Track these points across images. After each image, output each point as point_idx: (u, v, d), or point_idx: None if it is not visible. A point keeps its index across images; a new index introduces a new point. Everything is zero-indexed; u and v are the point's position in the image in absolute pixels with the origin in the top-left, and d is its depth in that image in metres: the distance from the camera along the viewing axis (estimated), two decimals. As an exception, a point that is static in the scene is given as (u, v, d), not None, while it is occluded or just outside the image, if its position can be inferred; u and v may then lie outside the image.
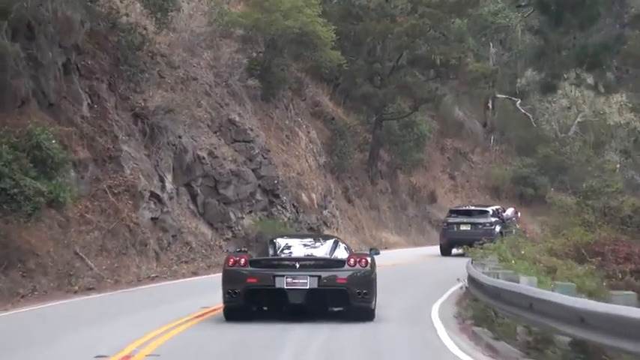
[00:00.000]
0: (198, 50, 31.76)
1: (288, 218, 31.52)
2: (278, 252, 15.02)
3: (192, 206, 28.15)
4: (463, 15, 39.49)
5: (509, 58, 59.82)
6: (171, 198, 27.14)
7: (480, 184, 55.84)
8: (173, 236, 26.16)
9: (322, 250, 15.24)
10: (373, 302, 14.40)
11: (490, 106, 59.44)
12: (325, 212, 34.84)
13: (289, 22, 32.47)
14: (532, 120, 58.29)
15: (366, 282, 14.12)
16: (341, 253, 14.90)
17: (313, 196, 34.15)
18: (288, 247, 15.33)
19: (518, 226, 32.92)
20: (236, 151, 30.28)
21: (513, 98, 59.60)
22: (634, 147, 57.02)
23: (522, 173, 54.96)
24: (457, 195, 53.99)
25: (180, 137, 28.14)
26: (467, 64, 41.39)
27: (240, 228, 29.13)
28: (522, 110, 58.95)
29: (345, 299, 14.18)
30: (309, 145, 36.22)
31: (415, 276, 24.42)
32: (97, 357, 10.71)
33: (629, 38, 69.36)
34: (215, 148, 29.35)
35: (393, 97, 40.05)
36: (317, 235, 21.16)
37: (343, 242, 16.16)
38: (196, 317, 14.87)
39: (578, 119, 57.07)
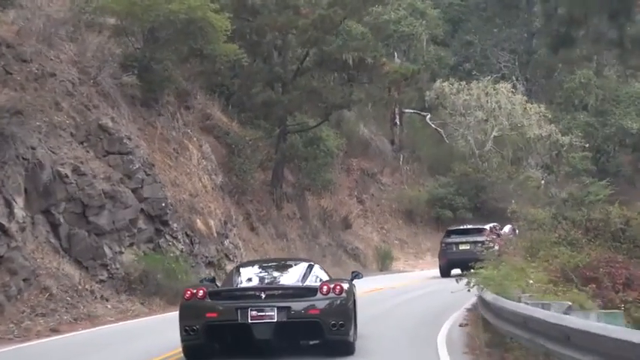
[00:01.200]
0: (56, 41, 24.76)
1: (182, 251, 24.66)
2: (243, 281, 13.43)
3: (52, 239, 21.03)
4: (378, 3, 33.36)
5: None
6: (22, 229, 20.05)
7: (392, 208, 49.95)
8: (25, 280, 19.15)
9: (292, 277, 13.67)
10: (351, 334, 12.88)
11: (397, 122, 53.81)
12: (227, 242, 28.09)
13: (173, 6, 25.91)
14: (444, 136, 52.98)
15: (341, 312, 12.61)
16: (313, 280, 13.38)
17: (211, 222, 27.37)
18: (255, 276, 13.83)
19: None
20: (110, 165, 23.27)
21: (422, 113, 54.27)
22: (556, 161, 52.30)
23: (438, 194, 49.39)
24: (367, 221, 48.01)
25: (33, 149, 21.06)
26: (384, 64, 35.46)
27: (118, 266, 22.13)
28: (433, 125, 53.63)
29: (319, 332, 12.67)
30: (202, 162, 29.45)
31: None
32: None
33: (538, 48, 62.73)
34: (82, 163, 22.30)
35: (300, 104, 33.69)
36: (289, 260, 18.10)
37: (320, 267, 14.48)
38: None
39: (494, 133, 51.98)
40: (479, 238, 30.08)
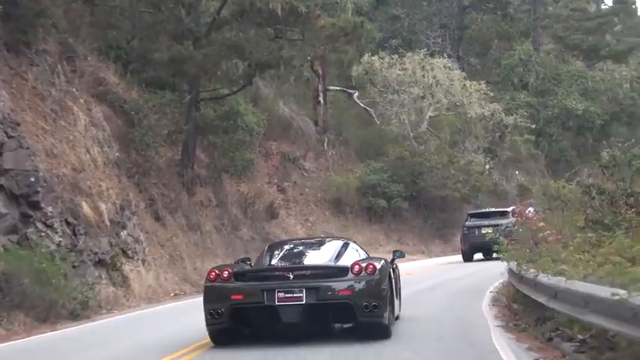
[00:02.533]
0: None
1: (59, 245, 17.60)
2: (272, 261, 12.48)
3: None
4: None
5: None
6: None
7: (318, 197, 43.36)
8: None
9: (325, 256, 12.75)
10: (386, 316, 11.95)
11: (321, 101, 47.23)
12: (124, 234, 21.08)
13: None
14: (374, 116, 46.76)
15: (375, 292, 11.71)
16: (347, 259, 12.32)
17: (102, 207, 20.34)
18: (285, 255, 12.87)
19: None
20: (-48, 122, 16.13)
21: (349, 90, 47.90)
22: (499, 144, 46.68)
23: (370, 181, 43.06)
24: (289, 212, 41.40)
25: None
26: (319, 17, 28.94)
27: (-38, 267, 15.02)
28: (361, 104, 47.32)
29: (351, 314, 11.77)
30: (90, 129, 22.38)
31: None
32: None
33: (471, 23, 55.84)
34: None
35: (217, 61, 26.74)
36: (325, 239, 16.07)
37: (356, 245, 13.49)
38: None
39: (430, 113, 46.06)
40: (501, 221, 30.18)
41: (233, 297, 11.75)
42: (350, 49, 36.32)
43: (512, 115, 46.30)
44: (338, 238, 15.37)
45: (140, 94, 27.72)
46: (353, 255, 12.80)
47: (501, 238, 17.75)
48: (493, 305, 16.08)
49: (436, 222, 44.22)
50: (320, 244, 14.07)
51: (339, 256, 12.64)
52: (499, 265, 18.08)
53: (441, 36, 56.11)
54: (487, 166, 44.23)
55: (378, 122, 46.43)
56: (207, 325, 12.04)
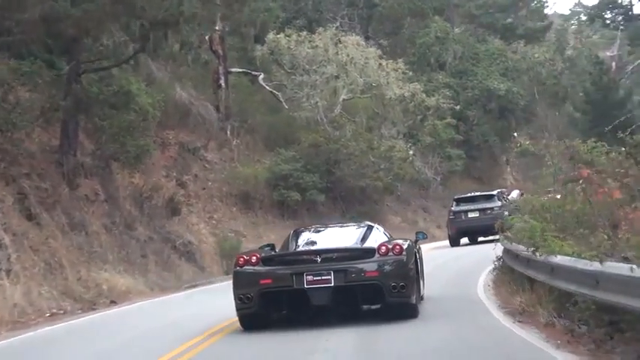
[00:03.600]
0: None
1: None
2: (300, 245, 12.88)
3: None
4: None
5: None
6: None
7: (223, 192, 38.23)
8: None
9: (350, 239, 13.00)
10: (414, 296, 12.39)
11: (222, 84, 42.10)
12: (-22, 237, 15.72)
13: None
14: (282, 100, 41.91)
15: (402, 273, 12.07)
16: (373, 241, 12.67)
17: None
18: (311, 239, 13.22)
19: None
20: None
21: (254, 72, 42.97)
22: (420, 129, 42.50)
23: (281, 171, 38.22)
24: (191, 209, 36.25)
25: None
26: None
27: None
28: (267, 87, 42.41)
29: (379, 295, 12.09)
30: None
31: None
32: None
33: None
34: None
35: (101, 19, 21.41)
36: (348, 223, 16.35)
37: (380, 228, 13.97)
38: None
39: (343, 96, 41.56)
40: (488, 205, 31.26)
41: (262, 282, 12.00)
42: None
43: (433, 96, 42.16)
44: (362, 222, 15.23)
45: (4, 62, 22.20)
46: (378, 237, 13.02)
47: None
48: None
49: (356, 216, 39.60)
50: (345, 227, 14.42)
51: (364, 238, 12.85)
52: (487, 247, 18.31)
53: (349, 14, 51.65)
54: (411, 152, 39.93)
55: (286, 107, 41.65)
56: (237, 310, 12.33)
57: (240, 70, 43.11)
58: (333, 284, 11.82)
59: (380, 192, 39.87)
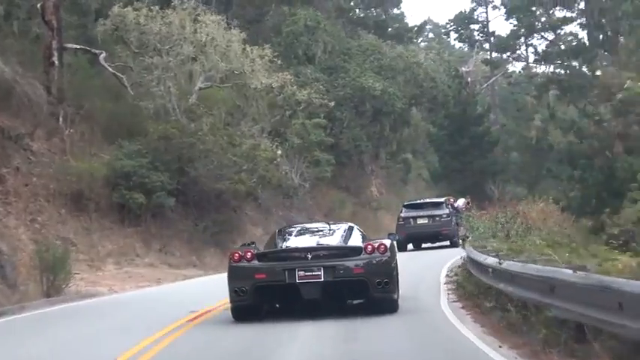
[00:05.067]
0: None
1: None
2: (287, 243, 14.06)
3: None
4: None
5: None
6: None
7: (50, 190, 31.32)
8: None
9: (335, 237, 14.19)
10: (396, 292, 13.78)
11: (56, 62, 35.03)
12: None
13: None
14: (127, 85, 35.36)
15: (386, 270, 13.38)
16: (356, 240, 14.06)
17: None
18: (298, 237, 14.43)
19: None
20: None
21: (94, 50, 36.24)
22: (288, 125, 36.88)
23: (123, 168, 31.78)
24: (9, 209, 29.47)
25: None
26: None
27: None
28: (110, 69, 35.75)
29: (365, 290, 13.44)
30: None
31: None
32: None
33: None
34: None
35: None
36: (328, 222, 16.75)
37: (359, 229, 15.05)
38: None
39: (200, 84, 35.49)
40: (436, 212, 32.79)
41: (257, 276, 13.16)
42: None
43: (305, 89, 36.64)
44: (342, 222, 16.33)
45: None
46: (358, 237, 14.19)
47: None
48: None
49: (211, 225, 33.57)
50: (327, 227, 15.08)
51: (347, 238, 13.97)
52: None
53: (206, -3, 45.52)
54: (279, 152, 34.14)
55: (132, 92, 35.17)
56: (232, 301, 13.50)
57: (78, 47, 36.41)
58: (322, 279, 13.02)
59: (240, 197, 33.95)
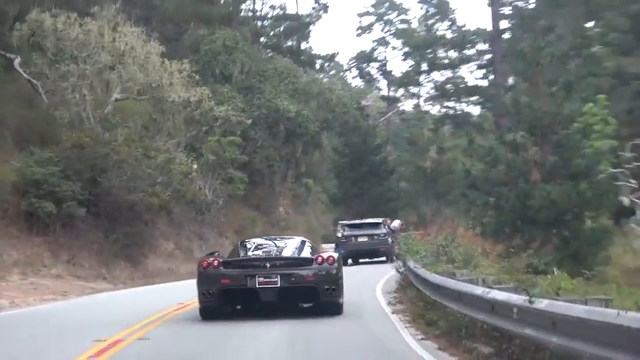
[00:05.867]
0: None
1: None
2: (248, 253, 15.89)
3: None
4: None
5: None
6: None
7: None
8: None
9: (290, 249, 16.07)
10: (341, 298, 15.42)
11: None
12: None
13: None
14: (41, 91, 34.50)
15: (333, 278, 15.10)
16: (308, 252, 15.89)
17: None
18: (258, 248, 16.26)
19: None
20: None
21: (9, 55, 35.31)
22: (204, 141, 36.64)
23: (33, 175, 30.82)
24: None
25: None
26: None
27: None
28: (25, 75, 34.84)
29: (315, 295, 15.15)
30: None
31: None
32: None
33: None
34: None
35: None
36: (284, 236, 19.60)
37: (310, 243, 16.93)
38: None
39: (117, 95, 34.93)
40: (375, 231, 36.31)
41: (222, 281, 14.96)
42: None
43: (222, 105, 36.41)
44: (294, 237, 18.31)
45: None
46: (309, 250, 16.15)
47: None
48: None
49: (122, 237, 32.88)
50: (282, 241, 17.26)
51: (300, 250, 15.98)
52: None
53: (126, 11, 44.90)
54: (195, 166, 33.75)
55: (46, 100, 34.34)
56: (200, 302, 15.31)
57: (-8, 50, 35.36)
58: (279, 285, 14.77)
59: (153, 211, 33.39)
